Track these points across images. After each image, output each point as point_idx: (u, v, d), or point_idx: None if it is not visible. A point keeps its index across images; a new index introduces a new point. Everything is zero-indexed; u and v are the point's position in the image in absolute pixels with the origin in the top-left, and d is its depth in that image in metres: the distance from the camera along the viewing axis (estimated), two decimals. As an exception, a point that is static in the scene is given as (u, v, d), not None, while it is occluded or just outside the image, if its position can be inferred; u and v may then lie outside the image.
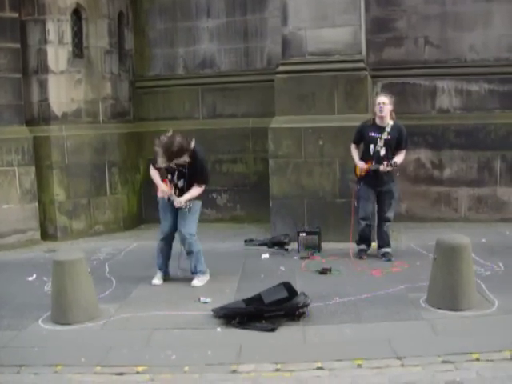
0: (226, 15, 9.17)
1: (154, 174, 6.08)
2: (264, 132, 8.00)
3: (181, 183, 5.98)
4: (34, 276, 6.49)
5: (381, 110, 6.54)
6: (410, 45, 8.70)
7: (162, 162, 5.74)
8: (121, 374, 4.09)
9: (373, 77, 8.36)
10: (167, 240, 6.17)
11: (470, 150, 8.50)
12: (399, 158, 6.61)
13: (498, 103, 8.53)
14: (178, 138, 5.68)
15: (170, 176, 5.99)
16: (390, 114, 6.61)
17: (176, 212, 6.04)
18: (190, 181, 5.95)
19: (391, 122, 6.61)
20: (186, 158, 5.74)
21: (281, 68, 7.92)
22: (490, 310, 4.94)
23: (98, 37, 8.63)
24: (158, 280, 6.18)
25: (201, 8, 9.25)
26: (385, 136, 6.57)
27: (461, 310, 4.91)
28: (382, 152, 6.56)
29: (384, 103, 6.53)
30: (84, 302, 5.06)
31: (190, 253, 6.08)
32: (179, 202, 5.88)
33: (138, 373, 4.09)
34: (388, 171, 6.50)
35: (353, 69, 7.65)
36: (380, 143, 6.56)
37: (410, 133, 8.43)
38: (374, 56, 8.72)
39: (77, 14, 8.47)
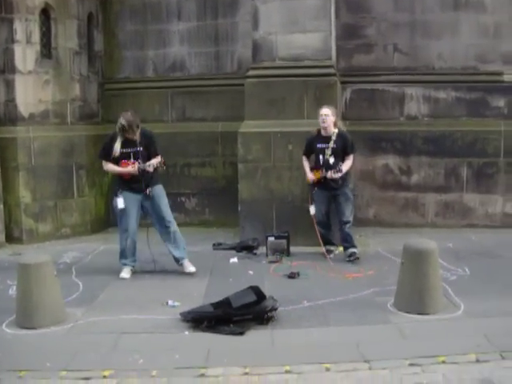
0: (197, 19, 9.13)
1: (111, 165, 6.39)
2: (233, 136, 7.99)
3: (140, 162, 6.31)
4: (-1, 279, 6.38)
5: (323, 121, 6.89)
6: (379, 52, 8.78)
7: (132, 134, 6.22)
8: (87, 378, 4.03)
9: (342, 82, 8.43)
10: (134, 236, 6.46)
11: (438, 156, 8.61)
12: (347, 164, 6.95)
13: (465, 111, 8.65)
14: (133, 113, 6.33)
15: (125, 160, 6.32)
16: (335, 124, 6.94)
17: (139, 207, 6.41)
18: (148, 156, 6.33)
19: (336, 131, 6.93)
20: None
21: (251, 72, 7.93)
22: (456, 314, 5.01)
23: (67, 37, 8.51)
24: (126, 274, 6.46)
25: (171, 11, 9.21)
26: (331, 145, 6.89)
27: (428, 313, 4.97)
28: (331, 160, 6.90)
29: (326, 115, 6.89)
30: (50, 306, 4.99)
31: (175, 240, 6.48)
32: (150, 164, 6.17)
33: (104, 377, 4.04)
34: (338, 177, 6.82)
35: (323, 74, 7.69)
36: (328, 152, 6.89)
37: (378, 138, 8.67)
38: (344, 62, 8.78)
39: (45, 13, 8.33)
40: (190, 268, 6.46)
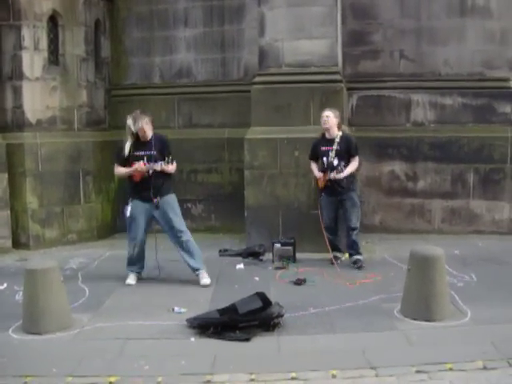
0: (204, 25, 9.17)
1: (121, 169, 6.36)
2: (240, 142, 8.00)
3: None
4: (5, 285, 6.39)
5: (324, 123, 6.92)
6: (385, 58, 8.78)
7: (140, 131, 6.19)
8: (93, 384, 4.04)
9: (348, 89, 8.43)
10: (142, 244, 6.41)
11: (444, 162, 8.60)
12: (351, 166, 6.96)
13: (472, 117, 8.64)
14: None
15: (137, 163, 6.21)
16: (339, 127, 6.95)
17: (148, 217, 6.30)
18: (160, 158, 6.21)
19: (340, 133, 6.95)
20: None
21: (257, 79, 7.94)
22: (463, 321, 4.99)
23: (75, 44, 8.56)
24: (132, 280, 6.41)
25: (178, 17, 9.25)
26: (335, 147, 6.90)
27: (434, 320, 4.95)
28: (335, 162, 6.91)
29: (328, 116, 6.91)
30: (56, 312, 4.99)
31: (188, 250, 6.31)
32: (160, 164, 6.09)
33: (110, 383, 4.04)
34: (343, 179, 6.83)
35: (329, 80, 7.70)
36: (332, 154, 6.90)
37: (384, 145, 8.67)
38: (350, 68, 8.79)
39: (53, 20, 8.38)
40: (204, 280, 6.27)
